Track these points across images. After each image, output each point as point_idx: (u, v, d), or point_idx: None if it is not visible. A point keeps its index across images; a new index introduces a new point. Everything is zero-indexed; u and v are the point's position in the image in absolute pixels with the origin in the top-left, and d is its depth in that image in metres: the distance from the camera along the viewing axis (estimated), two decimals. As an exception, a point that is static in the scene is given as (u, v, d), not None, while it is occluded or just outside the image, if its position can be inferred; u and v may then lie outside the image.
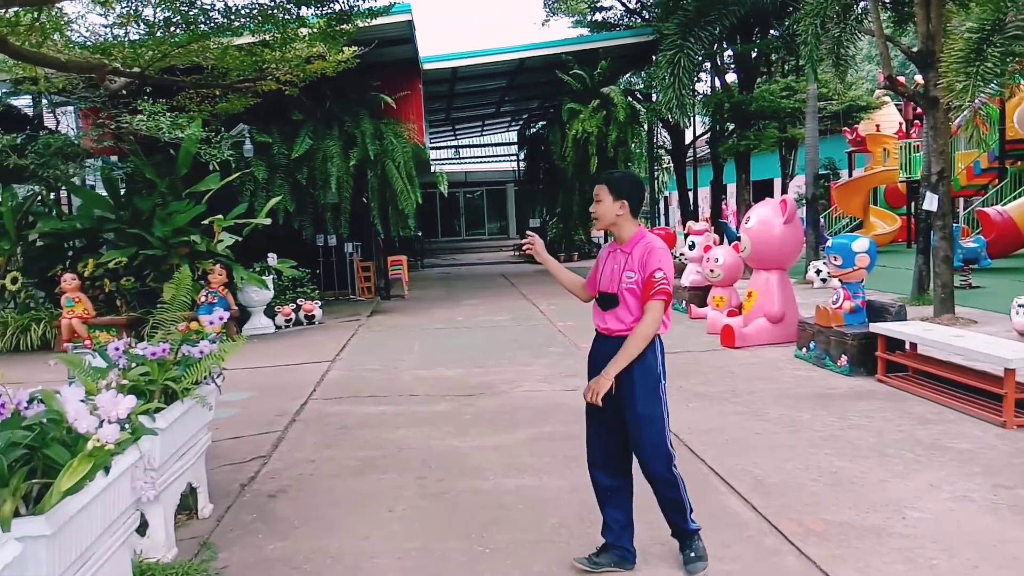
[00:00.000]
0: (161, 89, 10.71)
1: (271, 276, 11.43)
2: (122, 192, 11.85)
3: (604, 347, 3.31)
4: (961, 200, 18.30)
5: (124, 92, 10.25)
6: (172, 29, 8.86)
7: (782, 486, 4.28)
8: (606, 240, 21.02)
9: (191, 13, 8.52)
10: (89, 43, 9.25)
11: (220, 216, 10.90)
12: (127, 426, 2.65)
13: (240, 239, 11.09)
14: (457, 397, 6.75)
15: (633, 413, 3.21)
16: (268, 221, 11.53)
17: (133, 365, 3.66)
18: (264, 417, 6.26)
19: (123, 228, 10.71)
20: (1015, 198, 15.79)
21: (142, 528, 3.47)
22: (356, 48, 10.99)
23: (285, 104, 12.82)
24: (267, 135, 13.17)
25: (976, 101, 8.62)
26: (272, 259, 11.70)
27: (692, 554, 3.31)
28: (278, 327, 11.46)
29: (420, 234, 26.32)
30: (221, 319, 4.44)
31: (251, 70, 9.92)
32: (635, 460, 3.34)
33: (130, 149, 11.33)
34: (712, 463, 4.71)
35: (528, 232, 3.58)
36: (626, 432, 3.28)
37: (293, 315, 11.65)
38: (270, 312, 11.52)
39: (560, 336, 9.74)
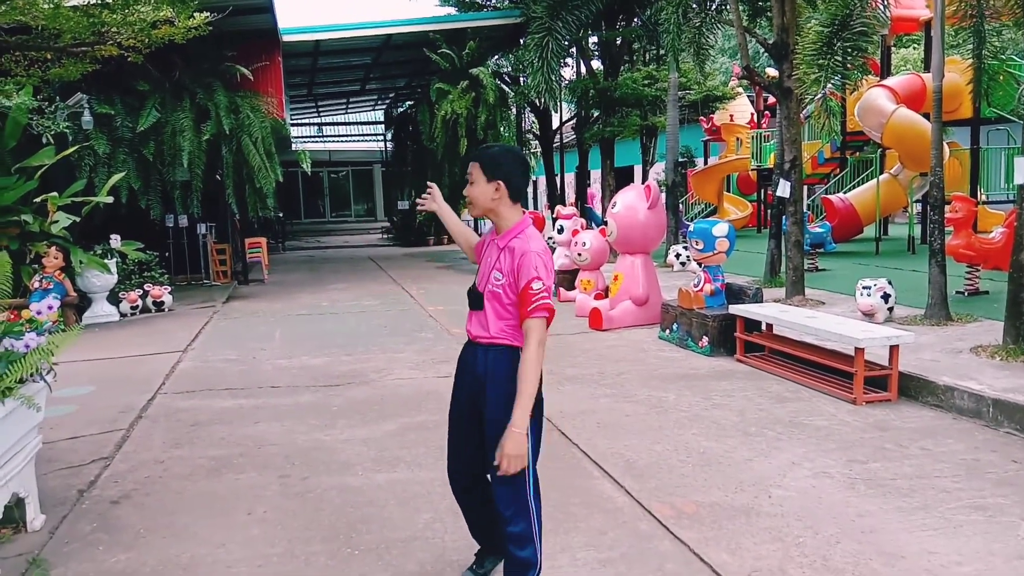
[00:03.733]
0: (-19, 50, 9.58)
1: (114, 259, 10.54)
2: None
3: (468, 355, 2.83)
4: (805, 188, 19.46)
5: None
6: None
7: (653, 468, 4.32)
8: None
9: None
10: None
11: (55, 194, 9.92)
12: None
13: (78, 219, 10.15)
14: (322, 388, 6.44)
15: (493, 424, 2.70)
16: (110, 199, 10.60)
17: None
18: (106, 414, 5.71)
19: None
20: (855, 187, 16.95)
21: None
22: (208, 14, 10.25)
23: (129, 73, 11.83)
24: (109, 106, 12.13)
25: (824, 91, 9.09)
26: (115, 241, 10.79)
27: None
28: (123, 315, 10.61)
29: (281, 215, 25.23)
30: (51, 308, 3.95)
31: (88, 33, 9.03)
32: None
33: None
34: (584, 447, 4.70)
35: (428, 184, 3.11)
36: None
37: (140, 302, 10.82)
38: (114, 299, 10.64)
39: (431, 321, 9.54)
